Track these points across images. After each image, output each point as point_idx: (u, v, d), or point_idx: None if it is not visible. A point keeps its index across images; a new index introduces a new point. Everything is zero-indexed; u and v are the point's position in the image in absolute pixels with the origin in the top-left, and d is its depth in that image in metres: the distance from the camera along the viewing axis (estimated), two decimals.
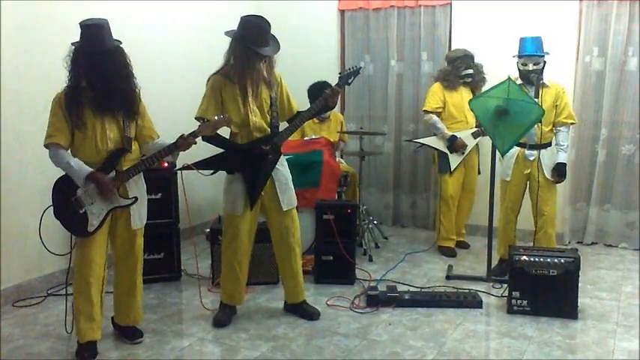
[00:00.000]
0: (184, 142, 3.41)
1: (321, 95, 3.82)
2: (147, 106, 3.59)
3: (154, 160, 3.42)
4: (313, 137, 5.58)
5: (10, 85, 4.24)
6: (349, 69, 3.92)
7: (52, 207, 3.38)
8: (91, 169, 3.28)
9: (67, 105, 3.28)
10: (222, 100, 3.72)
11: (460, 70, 5.49)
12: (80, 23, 3.29)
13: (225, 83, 3.72)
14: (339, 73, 3.98)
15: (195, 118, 3.72)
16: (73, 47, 3.30)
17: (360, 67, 3.98)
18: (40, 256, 4.33)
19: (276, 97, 3.82)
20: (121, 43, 3.40)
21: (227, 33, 3.71)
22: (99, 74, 3.27)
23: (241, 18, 3.70)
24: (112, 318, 3.79)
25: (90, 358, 3.44)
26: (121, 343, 3.69)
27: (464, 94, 5.50)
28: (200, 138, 3.50)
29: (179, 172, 3.94)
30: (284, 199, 3.89)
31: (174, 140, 3.43)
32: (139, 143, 3.55)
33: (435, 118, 5.53)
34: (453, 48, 6.01)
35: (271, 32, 3.71)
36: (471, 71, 5.50)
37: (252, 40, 3.61)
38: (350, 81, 3.92)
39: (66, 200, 3.32)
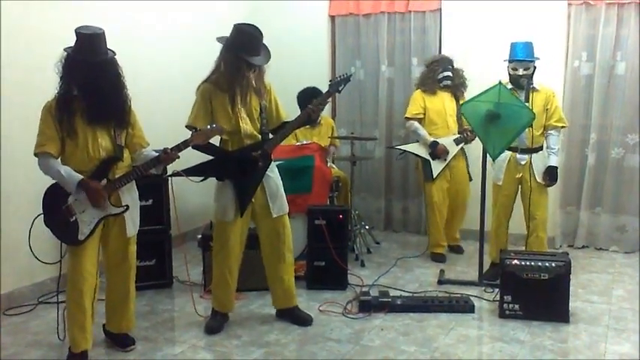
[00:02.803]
0: (167, 157, 3.40)
1: (311, 102, 3.84)
2: (143, 111, 3.59)
3: (141, 172, 3.41)
4: (305, 142, 5.58)
5: (2, 92, 4.21)
6: (339, 76, 3.93)
7: (42, 215, 3.36)
8: (81, 177, 3.26)
9: (58, 113, 3.26)
10: (211, 108, 3.72)
11: (437, 72, 5.46)
12: (77, 30, 3.26)
13: (215, 91, 3.73)
14: (330, 81, 3.99)
15: (186, 127, 3.72)
16: (66, 53, 3.28)
17: (351, 75, 3.99)
18: (30, 264, 4.27)
19: (265, 104, 3.83)
20: (115, 53, 3.38)
21: (219, 39, 3.71)
22: (92, 85, 3.25)
23: (234, 26, 3.70)
24: (104, 325, 3.77)
25: None
26: (113, 350, 3.67)
27: (445, 100, 5.48)
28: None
29: (169, 178, 3.93)
30: (274, 206, 3.88)
31: (168, 146, 3.43)
32: (130, 151, 3.53)
33: (415, 124, 5.52)
34: (442, 53, 6.02)
35: (263, 41, 3.72)
36: (448, 74, 5.45)
37: (244, 49, 3.61)
38: (340, 89, 3.94)
39: (56, 208, 3.30)
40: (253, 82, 3.73)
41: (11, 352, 3.66)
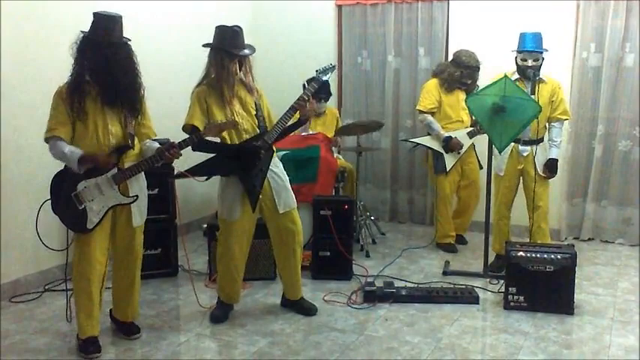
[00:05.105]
0: (167, 157, 3.37)
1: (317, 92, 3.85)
2: (148, 105, 3.58)
3: (149, 165, 3.40)
4: (310, 133, 5.57)
5: (8, 80, 4.22)
6: (321, 69, 3.98)
7: (49, 201, 3.36)
8: (81, 151, 3.24)
9: (69, 97, 3.26)
10: (207, 106, 3.71)
11: (463, 79, 5.41)
12: (95, 13, 3.27)
13: (209, 91, 3.74)
14: (316, 71, 3.99)
15: (183, 128, 3.71)
16: (82, 35, 3.27)
17: (334, 66, 4.06)
18: (37, 251, 4.33)
19: (260, 104, 3.85)
20: (129, 40, 3.38)
21: (205, 45, 3.75)
22: (104, 67, 3.25)
23: (215, 27, 3.74)
24: (110, 311, 3.80)
25: (95, 352, 3.44)
26: (118, 338, 3.69)
27: (458, 94, 5.46)
28: (190, 147, 3.51)
29: (174, 168, 3.93)
30: (280, 200, 3.86)
31: (177, 139, 3.42)
32: (137, 140, 3.53)
33: (429, 118, 5.48)
34: (450, 43, 6.04)
35: (244, 38, 3.74)
36: (469, 81, 5.43)
37: (224, 44, 3.66)
38: (326, 78, 3.98)
39: (65, 195, 3.30)
40: (241, 75, 3.75)
41: (17, 340, 3.69)
